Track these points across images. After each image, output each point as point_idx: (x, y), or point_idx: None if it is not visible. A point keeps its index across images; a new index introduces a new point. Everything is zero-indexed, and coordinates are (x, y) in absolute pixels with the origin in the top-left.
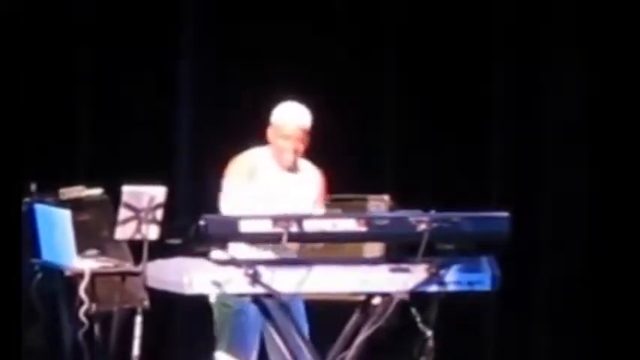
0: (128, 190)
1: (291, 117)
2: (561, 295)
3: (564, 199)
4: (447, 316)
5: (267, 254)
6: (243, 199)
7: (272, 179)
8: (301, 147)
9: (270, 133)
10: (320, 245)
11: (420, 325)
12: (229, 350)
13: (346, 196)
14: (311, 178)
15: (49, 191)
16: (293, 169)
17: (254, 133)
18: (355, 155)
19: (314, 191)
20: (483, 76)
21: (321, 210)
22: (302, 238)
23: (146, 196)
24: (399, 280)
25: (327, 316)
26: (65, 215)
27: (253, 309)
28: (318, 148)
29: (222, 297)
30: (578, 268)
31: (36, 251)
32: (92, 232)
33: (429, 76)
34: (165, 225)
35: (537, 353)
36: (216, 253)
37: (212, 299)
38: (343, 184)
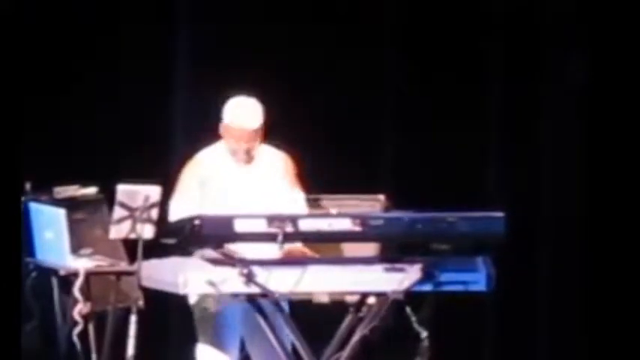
0: (123, 189)
1: (242, 119)
2: (559, 295)
3: (562, 199)
4: (442, 316)
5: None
6: (192, 204)
7: (227, 179)
8: (254, 144)
9: (222, 130)
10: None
11: (415, 325)
12: (212, 341)
13: (341, 196)
14: (273, 165)
15: (43, 190)
16: (251, 162)
17: None
18: (350, 155)
19: (278, 177)
20: (482, 78)
21: (298, 193)
22: (297, 237)
23: (141, 195)
24: (394, 280)
25: (321, 316)
26: (60, 214)
27: (232, 312)
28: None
29: (202, 300)
30: (575, 268)
31: (30, 250)
32: (87, 231)
33: (426, 75)
34: (161, 224)
35: (534, 353)
36: (200, 253)
37: (191, 301)
38: (338, 184)
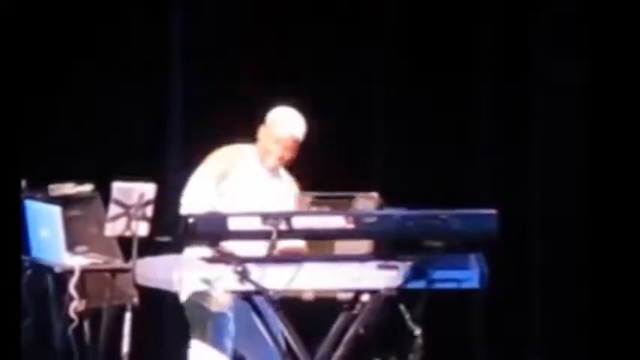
0: (118, 187)
1: (287, 124)
2: (551, 291)
3: (553, 196)
4: (435, 313)
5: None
6: (206, 200)
7: (250, 178)
8: (287, 155)
9: (262, 132)
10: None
11: (409, 323)
12: (209, 342)
13: (334, 193)
14: (290, 189)
15: (39, 188)
16: (275, 173)
17: (246, 131)
18: (344, 153)
19: (291, 202)
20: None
21: None
22: (291, 235)
23: (136, 192)
24: (387, 278)
25: (315, 313)
26: (55, 212)
27: (230, 311)
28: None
29: (201, 298)
30: (567, 265)
31: (26, 248)
32: (82, 229)
33: (418, 74)
34: (156, 222)
35: (526, 350)
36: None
37: (183, 298)
38: (331, 182)
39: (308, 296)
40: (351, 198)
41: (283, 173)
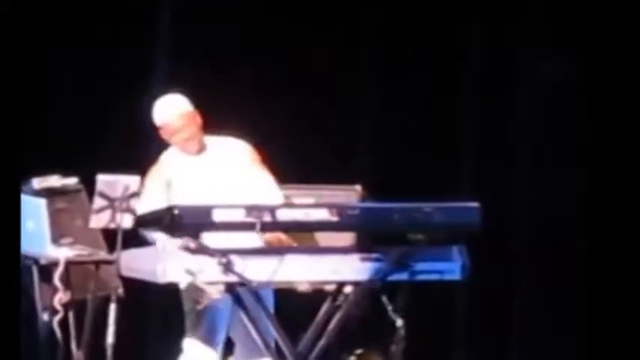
0: (103, 179)
1: (170, 111)
2: (532, 283)
3: (536, 190)
4: (417, 304)
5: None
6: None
7: (186, 175)
8: (192, 130)
9: (162, 134)
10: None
11: (391, 314)
12: (198, 338)
13: (318, 186)
14: (230, 152)
15: (24, 180)
16: (201, 151)
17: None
18: (328, 145)
19: (240, 164)
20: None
21: (266, 176)
22: (275, 227)
23: (121, 185)
24: (370, 269)
25: (298, 305)
26: (40, 204)
27: (223, 304)
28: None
29: (193, 292)
30: (550, 257)
31: None
32: (67, 221)
33: (403, 68)
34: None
35: (508, 342)
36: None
37: (182, 286)
38: (315, 174)
39: (304, 287)
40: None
41: (216, 142)
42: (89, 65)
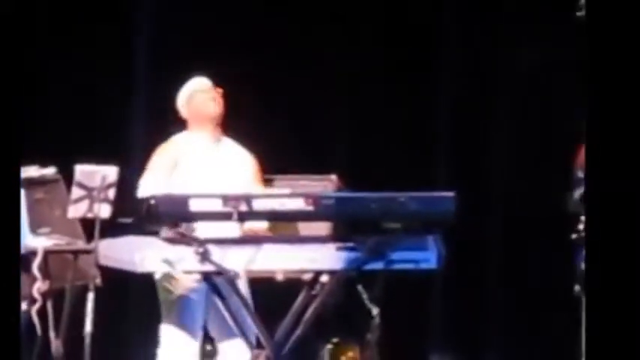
0: (81, 170)
1: (193, 84)
2: (508, 271)
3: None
4: (393, 293)
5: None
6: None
7: (198, 159)
8: (220, 109)
9: (187, 112)
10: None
11: (367, 303)
12: (174, 326)
13: (294, 176)
14: (242, 158)
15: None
16: (216, 141)
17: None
18: (304, 135)
19: (247, 175)
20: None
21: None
22: (251, 217)
23: (99, 175)
24: (346, 258)
25: (275, 294)
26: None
27: (196, 294)
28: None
29: (166, 281)
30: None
31: None
32: (45, 211)
33: (377, 58)
34: (118, 204)
35: (483, 331)
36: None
37: (157, 276)
38: (290, 164)
39: (279, 277)
40: (311, 180)
41: (232, 146)
42: (86, 65)
